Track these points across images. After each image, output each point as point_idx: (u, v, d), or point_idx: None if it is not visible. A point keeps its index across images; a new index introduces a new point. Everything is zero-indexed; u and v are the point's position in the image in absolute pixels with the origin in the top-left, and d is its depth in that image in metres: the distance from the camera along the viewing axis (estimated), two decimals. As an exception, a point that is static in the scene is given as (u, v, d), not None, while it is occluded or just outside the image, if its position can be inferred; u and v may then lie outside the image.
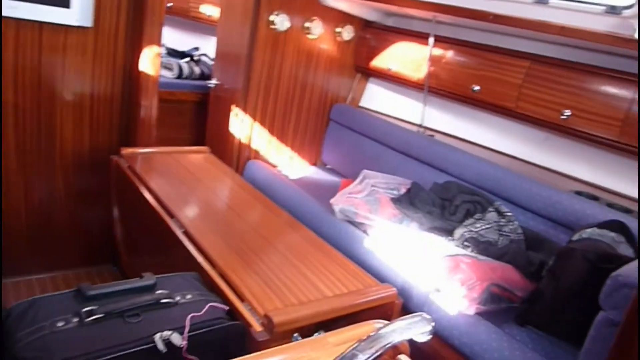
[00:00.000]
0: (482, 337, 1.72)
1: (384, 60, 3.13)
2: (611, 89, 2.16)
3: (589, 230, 1.91)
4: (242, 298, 1.46)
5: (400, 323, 0.73)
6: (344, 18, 3.13)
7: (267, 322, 1.34)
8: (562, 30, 2.08)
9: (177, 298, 1.37)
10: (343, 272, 1.67)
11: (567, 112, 2.26)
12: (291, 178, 3.07)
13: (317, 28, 3.03)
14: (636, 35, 1.80)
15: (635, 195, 2.18)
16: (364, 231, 2.31)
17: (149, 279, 1.41)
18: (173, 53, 4.05)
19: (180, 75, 3.73)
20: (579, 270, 1.69)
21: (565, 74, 2.30)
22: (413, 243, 2.12)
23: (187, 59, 3.91)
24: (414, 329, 0.72)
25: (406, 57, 3.01)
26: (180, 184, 2.18)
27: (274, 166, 3.18)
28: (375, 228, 2.27)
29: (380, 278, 1.76)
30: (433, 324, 0.74)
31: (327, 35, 3.12)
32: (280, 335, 1.33)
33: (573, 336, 1.63)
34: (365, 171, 2.70)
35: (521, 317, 1.82)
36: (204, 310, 1.34)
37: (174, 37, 4.16)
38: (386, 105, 3.29)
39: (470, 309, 1.79)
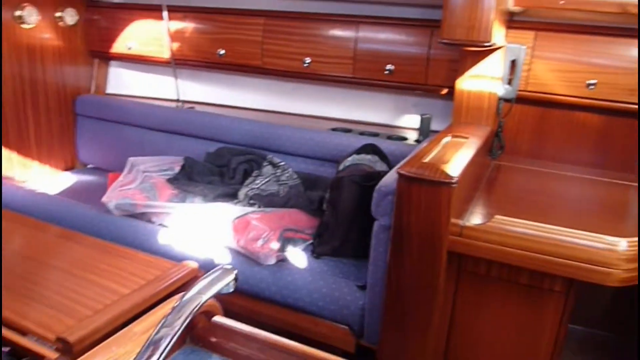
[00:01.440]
0: (287, 280, 1.82)
1: (121, 41, 2.92)
2: (339, 32, 2.41)
3: (349, 158, 2.14)
4: (23, 332, 1.25)
5: (202, 282, 0.71)
6: (62, 0, 2.80)
7: (63, 345, 1.18)
8: (284, -17, 2.22)
9: None
10: (136, 265, 1.56)
11: (308, 60, 2.46)
12: (48, 189, 2.69)
13: (31, 16, 2.64)
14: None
15: (378, 120, 2.53)
16: (149, 220, 2.18)
17: None
18: None
19: None
20: (350, 194, 1.89)
21: (298, 24, 2.48)
22: (202, 217, 2.09)
23: None
24: (218, 283, 0.71)
25: (144, 34, 2.86)
26: None
27: (23, 182, 2.75)
28: (160, 214, 2.17)
29: (180, 261, 1.70)
30: (236, 271, 0.74)
31: (47, 23, 2.75)
32: (83, 353, 1.19)
33: (361, 251, 1.84)
34: (132, 159, 2.53)
35: (315, 251, 1.97)
36: (-23, 360, 1.11)
37: None
38: (137, 87, 3.10)
39: (272, 259, 1.86)
